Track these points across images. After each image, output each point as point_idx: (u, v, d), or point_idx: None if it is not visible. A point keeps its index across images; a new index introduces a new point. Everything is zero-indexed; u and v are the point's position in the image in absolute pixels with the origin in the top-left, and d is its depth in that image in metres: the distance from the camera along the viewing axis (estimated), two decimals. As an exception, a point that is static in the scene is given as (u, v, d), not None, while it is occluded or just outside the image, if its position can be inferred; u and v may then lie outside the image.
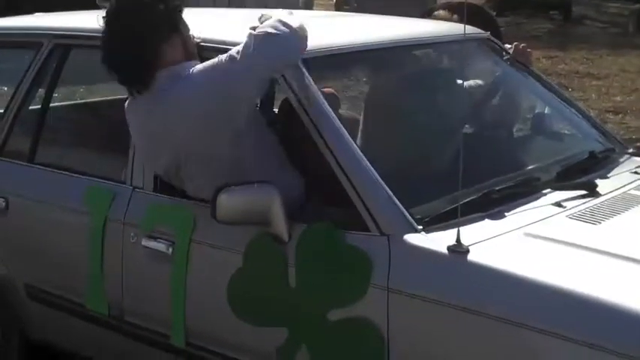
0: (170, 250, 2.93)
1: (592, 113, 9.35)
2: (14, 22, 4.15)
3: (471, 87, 3.59)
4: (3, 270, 3.60)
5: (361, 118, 3.54)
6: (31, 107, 3.78)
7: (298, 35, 2.78)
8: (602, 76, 12.72)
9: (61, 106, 4.63)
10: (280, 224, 2.64)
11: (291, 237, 2.65)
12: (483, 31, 3.73)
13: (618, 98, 10.90)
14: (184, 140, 2.79)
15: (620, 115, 9.72)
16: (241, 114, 2.76)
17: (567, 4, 22.97)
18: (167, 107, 2.81)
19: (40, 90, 3.77)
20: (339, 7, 20.87)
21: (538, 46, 15.45)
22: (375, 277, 2.50)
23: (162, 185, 3.06)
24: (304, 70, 2.88)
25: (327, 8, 21.54)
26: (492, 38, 3.74)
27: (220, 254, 2.83)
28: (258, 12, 3.05)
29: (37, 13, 4.38)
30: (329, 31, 3.56)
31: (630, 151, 3.59)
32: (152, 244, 2.99)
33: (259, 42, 2.71)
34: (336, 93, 3.68)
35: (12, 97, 3.72)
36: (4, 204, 3.49)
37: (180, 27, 2.95)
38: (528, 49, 3.80)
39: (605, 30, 20.87)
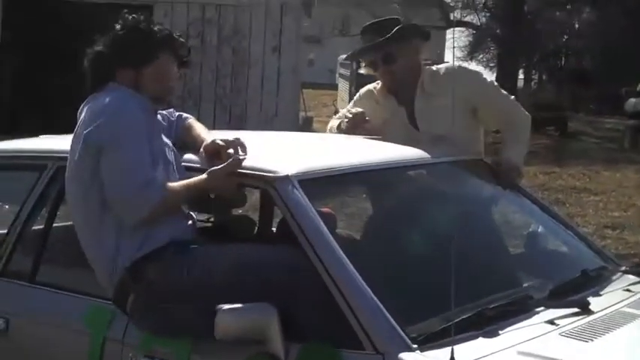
0: (168, 369, 2.95)
1: (589, 229, 9.48)
2: (19, 144, 4.26)
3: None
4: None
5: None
6: (33, 227, 3.85)
7: None
8: (599, 192, 12.83)
9: (63, 226, 4.69)
10: (277, 343, 2.68)
11: (288, 356, 2.68)
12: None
13: (616, 214, 10.97)
14: None
15: (618, 231, 9.77)
16: None
17: (563, 120, 23.35)
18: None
19: (43, 210, 3.84)
20: (338, 125, 21.24)
21: (535, 162, 15.65)
22: (370, 397, 2.53)
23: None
24: (301, 190, 2.96)
25: (325, 124, 21.85)
26: (482, 159, 3.82)
27: (218, 373, 2.85)
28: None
29: (41, 136, 4.49)
30: (325, 152, 3.66)
31: (623, 268, 3.63)
32: (150, 363, 3.01)
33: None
34: (333, 212, 3.75)
35: (15, 218, 3.78)
36: (4, 325, 3.51)
37: (143, 64, 3.14)
38: (517, 169, 3.88)
39: (601, 145, 21.14)
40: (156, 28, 3.20)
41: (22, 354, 3.50)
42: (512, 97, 4.14)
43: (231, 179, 3.09)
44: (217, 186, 3.10)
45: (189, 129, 3.39)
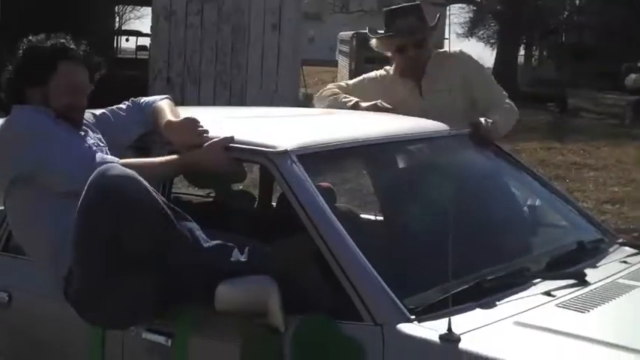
0: (169, 342, 2.98)
1: (589, 204, 9.51)
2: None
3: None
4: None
5: None
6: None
7: None
8: (599, 167, 12.86)
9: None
10: (277, 315, 2.71)
11: (287, 328, 2.72)
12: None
13: (615, 189, 11.00)
14: None
15: (617, 206, 9.81)
16: None
17: (563, 97, 23.37)
18: None
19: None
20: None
21: (535, 138, 15.68)
22: (369, 368, 2.56)
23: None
24: (300, 165, 2.99)
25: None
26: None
27: (218, 345, 2.88)
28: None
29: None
30: (324, 127, 3.69)
31: (620, 241, 3.67)
32: (151, 336, 3.04)
33: None
34: (332, 187, 3.78)
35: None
36: (7, 298, 3.55)
37: (47, 81, 3.20)
38: (490, 120, 3.83)
39: (601, 121, 21.16)
40: (48, 43, 3.26)
41: (25, 328, 3.54)
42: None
43: (226, 153, 3.12)
44: (213, 160, 3.12)
45: (157, 113, 3.39)
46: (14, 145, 3.15)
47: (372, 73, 4.45)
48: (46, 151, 3.08)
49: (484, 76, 4.33)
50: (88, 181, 2.84)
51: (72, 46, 3.28)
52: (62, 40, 3.28)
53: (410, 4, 4.36)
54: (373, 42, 4.34)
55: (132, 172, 2.82)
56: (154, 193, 2.84)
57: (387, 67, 4.42)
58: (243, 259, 2.83)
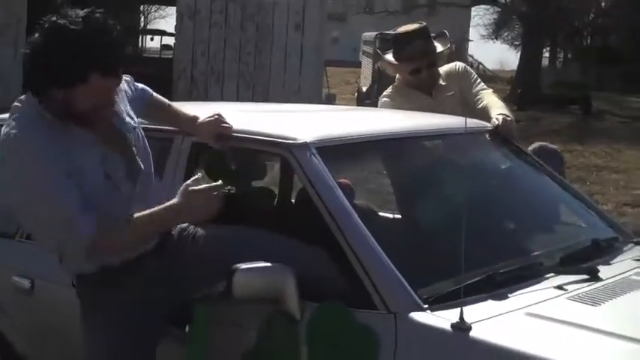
0: (187, 328, 3.04)
1: (609, 206, 9.50)
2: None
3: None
4: (27, 352, 3.71)
5: None
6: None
7: None
8: (621, 170, 12.84)
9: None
10: (293, 303, 2.77)
11: (303, 315, 2.78)
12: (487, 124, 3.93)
13: (637, 192, 10.98)
14: None
15: (638, 208, 9.79)
16: None
17: (587, 99, 23.27)
18: None
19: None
20: (360, 102, 21.27)
21: (557, 140, 15.62)
22: (382, 356, 2.62)
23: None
24: (319, 157, 3.04)
25: (348, 102, 21.92)
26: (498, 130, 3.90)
27: (234, 331, 2.95)
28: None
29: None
30: (343, 121, 3.74)
31: (635, 239, 3.69)
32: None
33: None
34: (351, 184, 3.84)
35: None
36: (29, 285, 3.63)
37: (74, 84, 2.73)
38: (509, 118, 4.02)
39: (625, 124, 21.05)
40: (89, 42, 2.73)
41: (46, 313, 3.62)
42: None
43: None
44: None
45: (161, 108, 3.41)
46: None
47: (391, 88, 4.77)
48: (27, 195, 2.78)
49: (474, 79, 4.68)
50: None
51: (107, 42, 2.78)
52: (103, 38, 2.77)
53: (417, 27, 4.65)
54: (382, 64, 4.73)
55: None
56: None
57: (395, 83, 4.76)
58: None
